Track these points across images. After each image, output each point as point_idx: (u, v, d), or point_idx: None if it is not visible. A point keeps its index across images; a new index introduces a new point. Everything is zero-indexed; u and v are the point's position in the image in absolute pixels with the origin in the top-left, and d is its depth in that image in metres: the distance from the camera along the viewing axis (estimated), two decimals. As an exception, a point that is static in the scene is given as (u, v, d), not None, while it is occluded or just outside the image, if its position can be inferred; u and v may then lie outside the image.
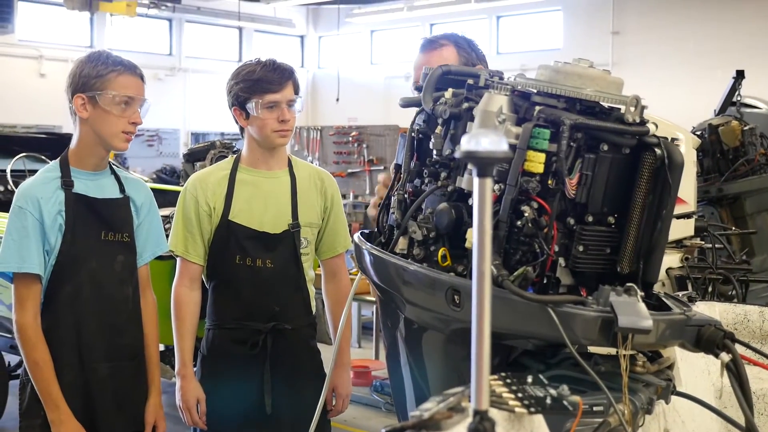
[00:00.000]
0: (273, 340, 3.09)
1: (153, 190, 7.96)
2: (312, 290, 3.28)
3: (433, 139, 2.00)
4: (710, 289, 4.51)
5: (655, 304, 1.91)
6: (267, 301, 3.12)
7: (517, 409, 1.38)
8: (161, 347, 6.11)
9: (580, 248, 1.79)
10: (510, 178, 1.78)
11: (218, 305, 3.18)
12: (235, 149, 5.55)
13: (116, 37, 21.37)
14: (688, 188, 4.57)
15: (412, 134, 2.08)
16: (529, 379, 1.51)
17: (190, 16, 22.66)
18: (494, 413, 1.39)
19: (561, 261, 1.80)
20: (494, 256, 1.76)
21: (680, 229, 4.62)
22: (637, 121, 1.78)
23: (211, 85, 22.97)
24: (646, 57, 18.82)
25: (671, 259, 4.62)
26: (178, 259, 3.19)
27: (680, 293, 2.44)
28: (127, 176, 2.89)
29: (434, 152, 2.00)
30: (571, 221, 1.80)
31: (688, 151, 4.56)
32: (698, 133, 7.28)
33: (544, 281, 1.80)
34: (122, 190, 2.81)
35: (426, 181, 2.04)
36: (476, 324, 1.11)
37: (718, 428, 2.28)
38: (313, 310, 3.31)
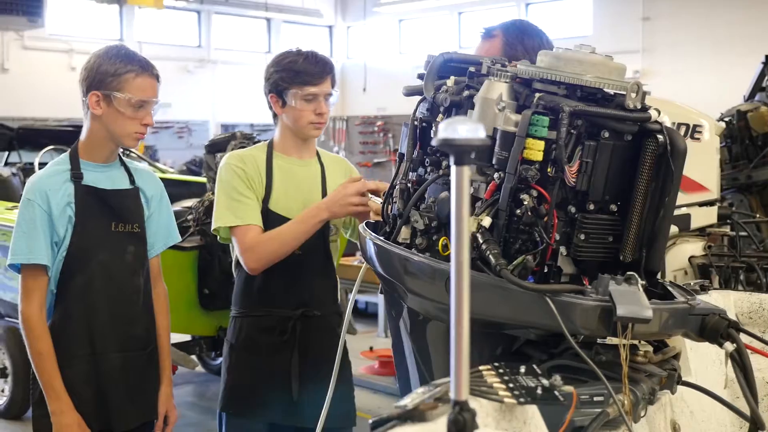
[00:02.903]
0: (302, 327, 3.09)
1: (179, 181, 8.01)
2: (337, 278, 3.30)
3: (434, 128, 1.98)
4: (736, 277, 4.46)
5: (660, 292, 1.88)
6: (296, 289, 3.11)
7: (506, 400, 1.37)
8: (187, 337, 6.20)
9: (582, 237, 1.77)
10: (509, 167, 1.76)
11: (247, 293, 3.15)
12: (256, 140, 5.55)
13: (145, 29, 21.50)
14: (710, 175, 4.51)
15: (415, 123, 2.06)
16: (522, 369, 1.49)
17: (218, 8, 22.72)
18: (484, 403, 1.38)
19: (562, 250, 1.78)
20: (493, 245, 1.75)
21: (703, 216, 4.57)
22: (638, 107, 1.74)
23: (240, 76, 23.06)
24: (677, 43, 18.59)
25: (694, 247, 4.56)
26: (235, 232, 3.05)
27: (692, 282, 2.39)
28: (137, 168, 2.90)
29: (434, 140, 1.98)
30: (572, 209, 1.77)
31: (711, 138, 4.51)
32: (727, 119, 7.19)
33: (545, 270, 1.78)
34: (132, 181, 2.82)
35: (428, 169, 2.02)
36: (455, 313, 1.09)
37: (729, 418, 2.25)
38: (339, 298, 3.31)
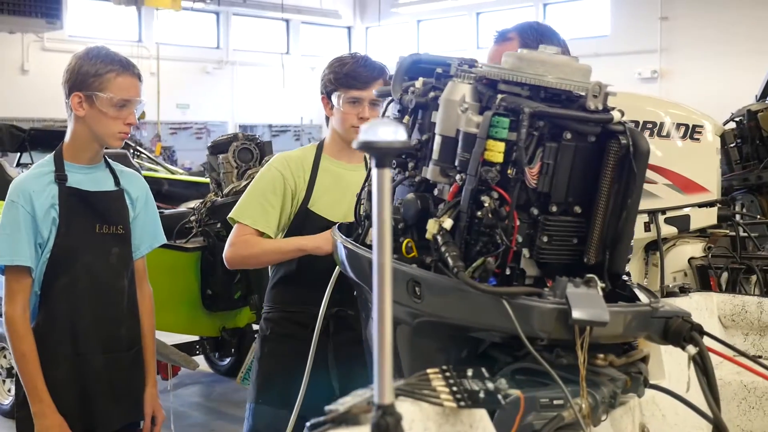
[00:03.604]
0: (335, 326, 3.09)
1: (188, 182, 8.04)
2: None
3: (400, 129, 1.97)
4: (747, 279, 4.42)
5: (627, 295, 1.87)
6: (324, 288, 3.12)
7: (446, 403, 1.36)
8: (195, 337, 6.22)
9: (545, 239, 1.75)
10: (470, 168, 1.74)
11: (282, 290, 3.20)
12: (258, 141, 5.56)
13: (164, 31, 21.62)
14: (710, 176, 4.47)
15: (385, 124, 2.05)
16: (470, 373, 1.48)
17: (236, 9, 22.83)
18: (425, 407, 1.37)
19: (525, 252, 1.76)
20: (452, 247, 1.74)
21: (702, 217, 4.53)
22: (600, 108, 1.73)
23: (258, 77, 23.15)
24: (696, 42, 18.47)
25: (693, 249, 4.52)
26: (236, 226, 3.11)
27: (670, 284, 2.37)
28: (122, 169, 2.91)
29: (402, 142, 1.98)
30: (535, 211, 1.76)
31: (712, 138, 4.47)
32: (737, 119, 7.12)
33: (508, 273, 1.77)
34: (117, 183, 2.83)
35: (397, 171, 2.01)
36: (378, 317, 1.09)
37: (705, 422, 2.22)
38: None
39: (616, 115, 1.75)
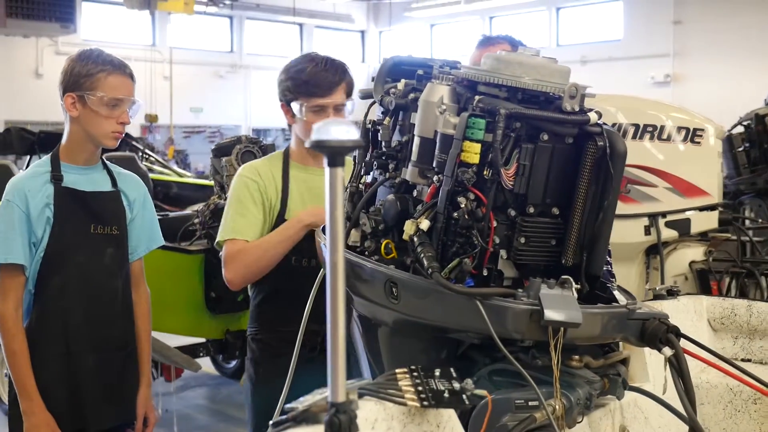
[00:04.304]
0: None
1: (195, 185, 8.05)
2: None
3: (380, 130, 1.98)
4: (757, 283, 4.40)
5: (606, 296, 1.87)
6: (323, 302, 2.79)
7: (409, 403, 1.36)
8: (199, 340, 6.23)
9: (522, 240, 1.76)
10: (447, 169, 1.75)
11: (269, 310, 2.99)
12: (261, 144, 5.57)
13: (178, 35, 21.71)
14: (711, 180, 4.46)
15: (368, 126, 2.06)
16: (437, 373, 1.48)
17: (250, 13, 22.89)
18: (389, 406, 1.38)
19: (502, 253, 1.77)
20: (428, 248, 1.74)
21: (703, 221, 4.52)
22: (576, 109, 1.73)
23: (272, 81, 22.99)
24: (708, 47, 18.40)
25: (695, 252, 4.51)
26: (225, 244, 2.90)
27: (657, 287, 2.36)
28: (120, 171, 2.92)
29: (383, 143, 1.99)
30: (513, 212, 1.76)
31: (714, 142, 4.45)
32: (746, 123, 7.09)
33: (485, 274, 1.77)
34: (114, 184, 2.84)
35: (378, 172, 2.02)
36: (330, 316, 1.09)
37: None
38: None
39: (592, 116, 1.75)
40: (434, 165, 1.80)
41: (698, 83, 18.35)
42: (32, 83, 18.99)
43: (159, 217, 6.56)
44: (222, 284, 5.51)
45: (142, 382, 2.91)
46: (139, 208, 2.93)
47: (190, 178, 8.34)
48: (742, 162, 7.06)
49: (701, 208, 4.44)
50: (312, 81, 2.89)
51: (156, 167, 8.94)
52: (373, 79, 2.09)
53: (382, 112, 2.05)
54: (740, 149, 6.99)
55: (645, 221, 4.37)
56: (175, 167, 9.28)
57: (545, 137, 1.74)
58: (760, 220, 5.74)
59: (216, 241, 2.96)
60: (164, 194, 8.22)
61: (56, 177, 2.73)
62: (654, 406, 2.05)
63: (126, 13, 19.33)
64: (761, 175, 6.85)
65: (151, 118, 19.70)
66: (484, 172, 1.73)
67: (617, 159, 1.75)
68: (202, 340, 6.22)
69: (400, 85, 2.00)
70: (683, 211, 4.41)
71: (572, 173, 1.77)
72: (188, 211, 6.52)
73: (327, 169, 1.09)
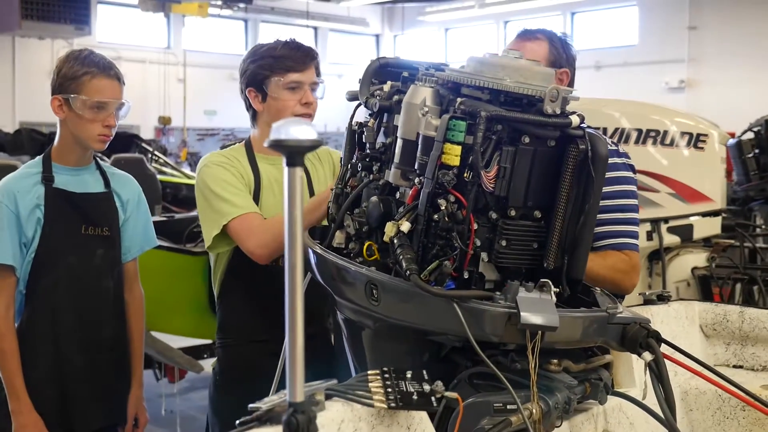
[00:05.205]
0: (313, 348, 2.50)
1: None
2: None
3: (365, 132, 1.98)
4: (761, 290, 4.37)
5: (590, 300, 1.86)
6: (308, 302, 2.47)
7: (377, 404, 1.36)
8: (207, 341, 6.23)
9: (503, 243, 1.75)
10: (428, 171, 1.74)
11: (242, 318, 2.82)
12: (266, 146, 5.57)
13: (193, 37, 21.79)
14: (714, 185, 4.45)
15: (353, 128, 2.06)
16: (409, 375, 1.48)
17: (264, 16, 22.94)
18: (357, 408, 1.37)
19: (483, 256, 1.76)
20: (407, 250, 1.74)
21: (706, 227, 4.51)
22: (558, 112, 1.71)
23: (286, 84, 23.17)
24: (723, 53, 18.31)
25: (697, 258, 4.50)
26: (233, 224, 2.65)
27: (647, 291, 2.35)
28: (114, 172, 2.92)
29: (367, 145, 1.99)
30: (494, 215, 1.75)
31: (718, 148, 4.43)
32: (755, 129, 7.05)
33: (466, 276, 1.76)
34: (107, 185, 2.84)
35: (363, 174, 2.02)
36: (288, 317, 1.09)
37: (677, 431, 2.20)
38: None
39: (574, 119, 1.74)
40: (416, 167, 1.80)
41: (713, 89, 18.26)
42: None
43: (165, 218, 6.60)
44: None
45: (133, 383, 2.91)
46: (132, 209, 2.93)
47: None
48: (752, 168, 7.00)
49: (704, 214, 4.43)
50: (287, 56, 2.77)
51: (166, 169, 8.98)
52: (359, 81, 2.09)
53: (369, 114, 2.05)
54: (750, 155, 6.94)
55: (647, 227, 4.37)
56: (187, 170, 9.30)
57: (526, 140, 1.73)
58: (763, 226, 5.70)
59: (214, 234, 2.69)
60: (173, 196, 8.25)
61: (47, 178, 2.74)
62: (640, 411, 2.04)
63: (141, 15, 19.41)
64: (770, 181, 6.80)
65: (165, 121, 19.78)
66: (465, 175, 1.72)
67: (599, 162, 1.74)
68: (208, 341, 6.23)
69: (386, 87, 2.00)
70: (686, 216, 4.40)
71: (554, 176, 1.76)
72: (194, 212, 6.54)
73: (285, 169, 1.09)
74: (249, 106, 2.87)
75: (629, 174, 2.72)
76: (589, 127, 1.80)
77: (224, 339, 2.89)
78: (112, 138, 2.77)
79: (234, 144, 2.94)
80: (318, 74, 2.85)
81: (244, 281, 2.80)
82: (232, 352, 2.85)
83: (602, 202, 2.58)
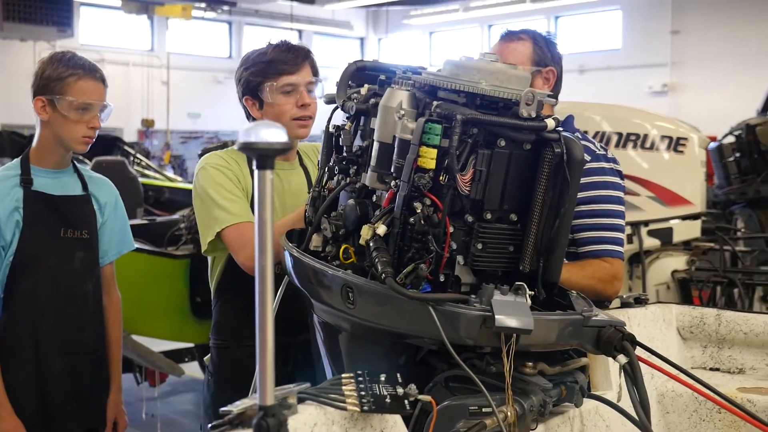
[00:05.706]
0: (303, 355, 2.69)
1: (188, 191, 8.06)
2: None
3: (342, 135, 1.98)
4: (748, 293, 4.40)
5: (566, 303, 1.86)
6: (294, 311, 2.38)
7: (349, 408, 1.36)
8: (185, 345, 6.22)
9: (479, 246, 1.75)
10: (403, 174, 1.74)
11: (235, 321, 2.75)
12: (249, 149, 5.57)
13: (176, 40, 21.73)
14: (694, 189, 4.47)
15: (331, 131, 2.06)
16: (383, 378, 1.48)
17: (249, 19, 22.92)
18: (330, 411, 1.37)
19: (459, 259, 1.76)
20: (383, 253, 1.74)
21: (686, 230, 4.53)
22: (533, 116, 1.72)
23: (270, 87, 23.14)
24: (706, 56, 18.42)
25: (677, 262, 4.52)
26: (227, 232, 2.60)
27: (625, 295, 2.36)
28: (91, 175, 2.91)
29: (344, 148, 1.99)
30: (470, 218, 1.75)
31: (698, 151, 4.46)
32: (736, 133, 7.10)
33: (442, 279, 1.76)
34: (85, 188, 2.83)
35: (340, 177, 2.02)
36: (259, 321, 1.09)
37: (655, 433, 2.21)
38: None
39: (549, 123, 1.74)
40: (392, 170, 1.80)
41: (695, 93, 18.37)
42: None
43: (146, 221, 6.55)
44: (208, 289, 5.52)
45: (112, 387, 2.90)
46: (110, 212, 2.92)
47: (181, 183, 8.34)
48: (733, 172, 7.04)
49: (684, 217, 4.46)
50: (278, 59, 2.71)
51: (148, 172, 8.95)
52: (336, 84, 2.09)
53: (346, 117, 2.05)
54: (731, 159, 6.98)
55: (628, 230, 4.38)
56: (170, 173, 9.27)
57: (502, 143, 1.73)
58: (743, 230, 5.74)
59: (210, 239, 2.64)
60: (155, 199, 8.22)
61: (26, 180, 2.72)
62: (616, 414, 2.05)
63: (124, 17, 19.38)
64: (751, 184, 6.83)
65: (148, 123, 19.71)
66: (441, 178, 1.72)
67: (574, 166, 1.74)
68: (189, 345, 6.22)
69: (363, 90, 2.00)
70: (666, 220, 4.43)
71: (530, 180, 1.76)
72: (175, 216, 6.53)
73: (256, 172, 1.08)
74: (248, 115, 2.82)
75: (616, 180, 2.72)
76: (577, 131, 1.80)
77: (219, 340, 2.84)
78: (94, 140, 2.76)
79: (222, 145, 2.90)
80: (315, 73, 2.80)
81: (240, 283, 2.70)
82: (226, 354, 2.82)
83: (587, 207, 2.66)
